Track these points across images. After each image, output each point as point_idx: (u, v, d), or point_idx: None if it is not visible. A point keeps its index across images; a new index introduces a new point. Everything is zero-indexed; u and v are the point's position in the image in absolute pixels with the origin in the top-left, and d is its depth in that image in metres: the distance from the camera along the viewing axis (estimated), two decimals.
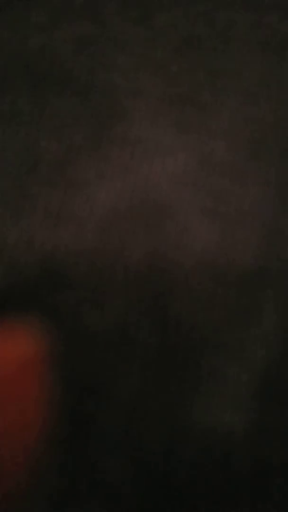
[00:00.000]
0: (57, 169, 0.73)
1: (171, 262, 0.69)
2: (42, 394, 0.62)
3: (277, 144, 0.75)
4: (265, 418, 0.65)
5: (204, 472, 0.63)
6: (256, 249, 0.70)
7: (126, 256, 0.69)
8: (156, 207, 0.71)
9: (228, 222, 0.71)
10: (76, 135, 0.75)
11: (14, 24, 0.80)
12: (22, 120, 0.75)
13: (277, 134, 0.75)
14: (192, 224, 0.71)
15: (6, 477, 0.59)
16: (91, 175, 0.73)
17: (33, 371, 0.62)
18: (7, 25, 0.79)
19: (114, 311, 0.67)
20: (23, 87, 0.76)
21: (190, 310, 0.67)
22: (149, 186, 0.72)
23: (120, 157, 0.74)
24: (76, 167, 0.73)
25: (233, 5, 0.81)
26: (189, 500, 0.63)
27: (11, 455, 0.59)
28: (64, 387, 0.63)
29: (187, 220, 0.71)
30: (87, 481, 0.63)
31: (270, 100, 0.77)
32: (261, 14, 0.81)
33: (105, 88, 0.77)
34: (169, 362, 0.66)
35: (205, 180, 0.73)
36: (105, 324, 0.67)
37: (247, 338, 0.67)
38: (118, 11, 0.81)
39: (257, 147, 0.75)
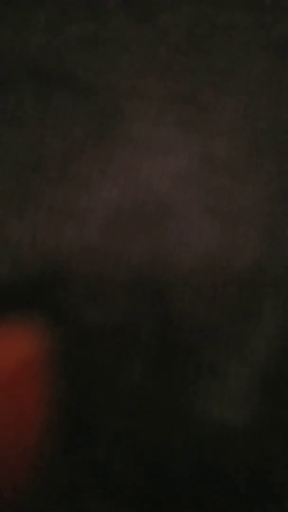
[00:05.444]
0: (60, 168, 0.73)
1: (172, 261, 0.69)
2: (43, 391, 0.62)
3: (278, 143, 0.75)
4: (265, 413, 0.65)
5: (204, 466, 0.64)
6: (256, 248, 0.70)
7: (128, 254, 0.69)
8: (158, 205, 0.72)
9: (229, 220, 0.71)
10: (79, 134, 0.75)
11: (17, 24, 0.80)
12: (26, 119, 0.75)
13: (277, 134, 0.76)
14: (193, 223, 0.71)
15: (10, 473, 0.59)
16: (94, 174, 0.73)
17: (34, 369, 0.62)
18: (10, 25, 0.80)
19: (116, 309, 0.67)
20: (27, 86, 0.77)
21: (191, 308, 0.68)
22: (151, 185, 0.72)
23: (123, 156, 0.74)
24: (79, 166, 0.73)
25: (234, 5, 0.81)
26: (189, 494, 0.63)
27: (14, 453, 0.59)
28: (65, 385, 0.64)
29: (189, 219, 0.71)
30: (89, 476, 0.63)
31: (271, 100, 0.77)
32: (261, 14, 0.81)
33: (108, 87, 0.77)
34: (170, 359, 0.66)
35: (207, 179, 0.73)
36: (106, 322, 0.67)
37: (247, 335, 0.67)
38: (121, 11, 0.81)
39: (258, 146, 0.75)
